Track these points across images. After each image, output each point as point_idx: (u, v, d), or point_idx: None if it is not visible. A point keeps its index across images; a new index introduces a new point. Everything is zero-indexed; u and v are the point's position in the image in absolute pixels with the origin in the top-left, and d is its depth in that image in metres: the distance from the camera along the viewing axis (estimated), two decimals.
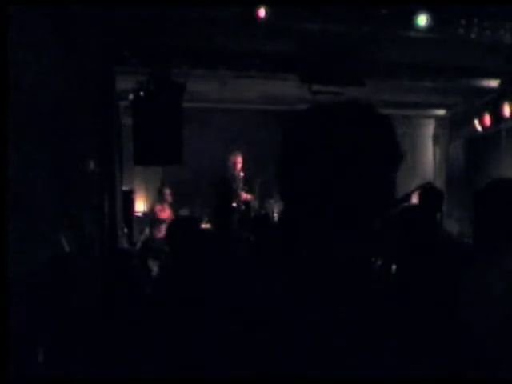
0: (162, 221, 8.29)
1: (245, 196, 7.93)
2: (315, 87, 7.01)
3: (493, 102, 7.78)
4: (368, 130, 1.12)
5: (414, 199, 9.38)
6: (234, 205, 7.82)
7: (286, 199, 1.17)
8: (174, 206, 8.64)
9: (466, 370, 1.86)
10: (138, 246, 7.90)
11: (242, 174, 8.02)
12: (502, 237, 2.23)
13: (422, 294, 2.48)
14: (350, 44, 6.50)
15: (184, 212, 8.59)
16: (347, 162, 1.07)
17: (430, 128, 10.28)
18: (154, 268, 6.39)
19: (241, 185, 7.94)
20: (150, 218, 8.74)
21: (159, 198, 8.79)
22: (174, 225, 3.93)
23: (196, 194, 8.33)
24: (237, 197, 7.84)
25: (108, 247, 5.92)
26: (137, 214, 9.00)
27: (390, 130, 1.14)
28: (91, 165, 5.46)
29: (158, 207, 8.69)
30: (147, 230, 8.51)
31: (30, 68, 3.83)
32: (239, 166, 8.08)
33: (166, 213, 8.53)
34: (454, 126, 9.41)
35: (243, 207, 7.84)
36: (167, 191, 8.67)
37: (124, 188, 7.81)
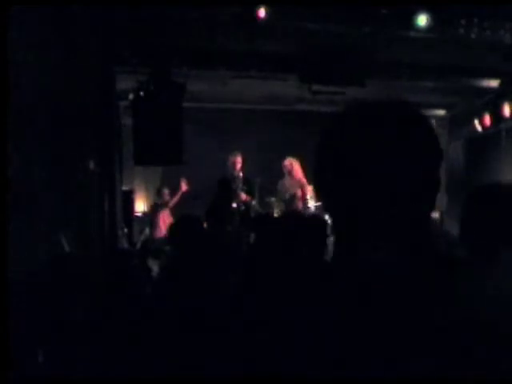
0: (161, 224, 8.30)
1: (244, 197, 7.93)
2: (315, 87, 7.01)
3: (493, 102, 7.78)
4: (411, 130, 1.12)
5: None
6: (234, 205, 7.82)
7: (329, 207, 1.15)
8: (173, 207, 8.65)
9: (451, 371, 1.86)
10: (138, 246, 7.90)
11: (241, 174, 8.03)
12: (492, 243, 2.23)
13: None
14: (350, 44, 6.50)
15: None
16: (392, 164, 1.07)
17: None
18: (154, 268, 6.39)
19: (240, 185, 7.94)
20: (150, 219, 8.74)
21: (158, 197, 8.79)
22: (176, 224, 3.94)
23: (196, 194, 8.33)
24: (236, 197, 7.84)
25: (108, 247, 5.92)
26: (137, 214, 9.01)
27: (430, 129, 1.15)
28: (91, 165, 5.46)
29: (157, 208, 8.68)
30: (147, 230, 8.51)
31: (30, 68, 3.83)
32: (239, 166, 8.08)
33: (164, 215, 8.52)
34: (454, 126, 9.41)
35: (243, 207, 7.84)
36: (166, 191, 8.67)
37: (124, 188, 7.82)
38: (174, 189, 8.63)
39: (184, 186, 8.58)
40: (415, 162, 1.09)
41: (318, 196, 1.17)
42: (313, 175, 1.16)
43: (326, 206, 1.16)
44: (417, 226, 1.10)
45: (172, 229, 3.85)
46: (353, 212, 1.09)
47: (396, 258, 1.08)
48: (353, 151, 1.08)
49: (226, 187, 7.36)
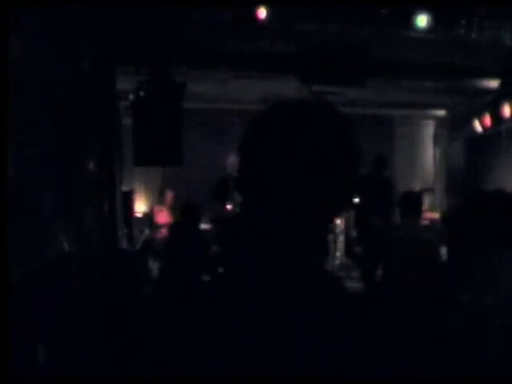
0: (160, 225, 8.28)
1: None
2: (315, 87, 7.01)
3: (493, 102, 7.77)
4: (328, 130, 1.12)
5: None
6: (229, 206, 7.82)
7: (246, 198, 1.17)
8: (175, 210, 8.64)
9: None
10: (138, 246, 7.90)
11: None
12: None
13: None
14: (350, 44, 6.50)
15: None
16: (307, 163, 1.08)
17: (429, 128, 10.28)
18: (154, 268, 6.39)
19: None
20: (150, 219, 8.73)
21: (160, 199, 8.78)
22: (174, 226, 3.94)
23: (196, 195, 8.32)
24: (233, 199, 7.84)
25: (108, 247, 5.92)
26: (137, 214, 9.00)
27: (351, 131, 1.16)
28: (91, 165, 5.46)
29: (156, 209, 8.66)
30: (147, 230, 8.50)
31: (30, 68, 3.83)
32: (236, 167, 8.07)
33: (163, 216, 8.49)
34: (454, 126, 9.41)
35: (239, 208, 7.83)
36: (169, 194, 8.64)
37: (124, 189, 7.81)
38: (177, 190, 8.61)
39: (169, 199, 8.56)
40: (329, 164, 1.10)
41: (239, 192, 1.18)
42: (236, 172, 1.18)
43: (243, 201, 1.17)
44: (322, 228, 1.12)
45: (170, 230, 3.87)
46: (266, 206, 1.10)
47: (294, 258, 1.09)
48: (271, 151, 1.09)
49: (223, 189, 7.33)
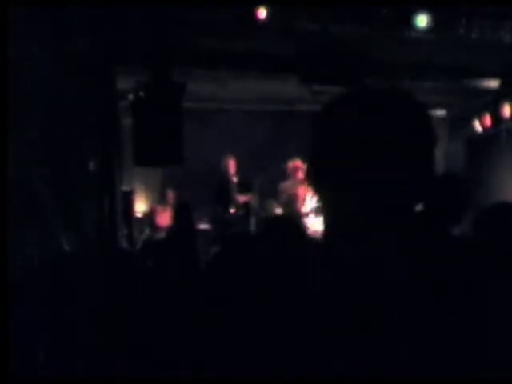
0: (160, 227, 8.27)
1: (242, 198, 7.90)
2: (315, 87, 7.00)
3: (493, 102, 7.77)
4: (404, 118, 1.11)
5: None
6: (233, 211, 7.80)
7: (323, 196, 1.14)
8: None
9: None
10: (138, 245, 7.89)
11: (235, 178, 7.99)
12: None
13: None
14: (350, 44, 6.50)
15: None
16: (385, 151, 1.06)
17: None
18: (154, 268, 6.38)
19: (236, 189, 7.92)
20: (150, 220, 8.71)
21: (161, 199, 8.77)
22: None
23: (195, 195, 8.31)
24: (234, 202, 7.82)
25: (108, 247, 5.92)
26: (137, 214, 8.99)
27: (427, 117, 1.14)
28: (91, 165, 5.46)
29: (159, 209, 8.65)
30: (147, 230, 8.50)
31: (30, 68, 3.83)
32: (232, 170, 8.05)
33: (165, 217, 8.46)
34: (454, 126, 9.40)
35: (242, 210, 7.82)
36: (170, 193, 8.63)
37: (124, 188, 7.81)
38: (178, 190, 8.60)
39: (171, 199, 8.55)
40: (409, 148, 1.08)
41: (313, 185, 1.16)
42: (308, 164, 1.15)
43: (319, 196, 1.15)
44: (408, 213, 1.10)
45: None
46: (348, 200, 1.08)
47: (387, 249, 1.07)
48: (348, 138, 1.08)
49: (223, 196, 7.32)
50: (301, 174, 8.26)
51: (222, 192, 7.93)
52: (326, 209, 1.14)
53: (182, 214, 6.27)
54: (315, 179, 1.13)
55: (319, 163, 1.11)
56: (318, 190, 1.14)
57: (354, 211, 1.08)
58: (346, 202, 1.08)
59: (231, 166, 8.06)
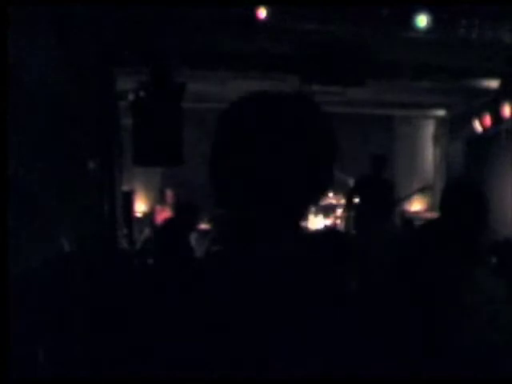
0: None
1: None
2: (315, 87, 7.01)
3: (493, 102, 7.78)
4: (307, 124, 1.11)
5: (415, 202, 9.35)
6: None
7: (222, 196, 1.15)
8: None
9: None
10: (138, 245, 7.90)
11: None
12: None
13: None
14: (350, 44, 6.50)
15: None
16: (283, 155, 1.07)
17: (429, 128, 10.28)
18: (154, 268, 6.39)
19: None
20: (150, 219, 8.72)
21: (160, 199, 8.77)
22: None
23: (195, 195, 8.31)
24: None
25: (108, 247, 5.92)
26: (137, 214, 8.99)
27: (329, 126, 1.14)
28: (91, 165, 5.46)
29: (158, 209, 8.65)
30: (147, 230, 8.50)
31: (30, 68, 3.83)
32: None
33: (166, 216, 8.47)
34: (454, 126, 9.41)
35: None
36: (169, 193, 8.63)
37: (124, 188, 7.81)
38: (177, 190, 8.60)
39: (170, 198, 8.54)
40: (307, 157, 1.09)
41: (214, 191, 1.16)
42: (208, 171, 1.16)
43: (220, 201, 1.15)
44: (299, 219, 1.12)
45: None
46: (246, 207, 1.09)
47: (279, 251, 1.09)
48: (246, 144, 1.09)
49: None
50: None
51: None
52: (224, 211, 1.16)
53: (183, 214, 6.26)
54: (214, 178, 1.14)
55: (218, 163, 1.13)
56: (217, 190, 1.14)
57: (248, 212, 1.10)
58: (242, 203, 1.09)
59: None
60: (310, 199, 1.14)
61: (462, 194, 2.48)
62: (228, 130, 1.14)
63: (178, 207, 6.42)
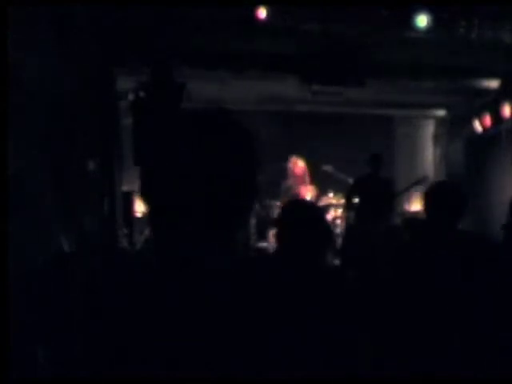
0: None
1: None
2: (315, 87, 7.01)
3: (493, 102, 7.78)
4: (222, 137, 1.15)
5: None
6: None
7: (150, 206, 1.18)
8: None
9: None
10: (138, 246, 7.89)
11: None
12: None
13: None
14: (350, 44, 6.50)
15: None
16: (200, 170, 1.10)
17: (429, 128, 10.28)
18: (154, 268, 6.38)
19: None
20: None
21: None
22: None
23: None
24: None
25: (108, 247, 5.92)
26: (137, 214, 8.99)
27: (246, 139, 1.16)
28: (91, 165, 5.46)
29: None
30: (147, 230, 8.49)
31: (30, 68, 3.83)
32: None
33: None
34: (454, 126, 9.41)
35: None
36: None
37: (124, 188, 7.80)
38: None
39: None
40: (226, 169, 1.12)
41: (144, 200, 1.20)
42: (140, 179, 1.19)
43: (150, 211, 1.19)
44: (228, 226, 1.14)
45: None
46: (171, 216, 1.12)
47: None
48: (164, 160, 1.12)
49: None
50: (298, 171, 8.26)
51: None
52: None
53: None
54: (146, 192, 1.18)
55: (146, 176, 1.17)
56: (148, 203, 1.18)
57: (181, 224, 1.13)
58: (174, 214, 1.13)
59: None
60: (235, 210, 1.16)
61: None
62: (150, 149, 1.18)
63: None
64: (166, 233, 1.16)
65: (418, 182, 8.20)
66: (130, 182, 8.64)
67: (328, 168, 8.35)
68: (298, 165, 8.29)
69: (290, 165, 8.32)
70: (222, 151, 1.13)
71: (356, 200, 7.41)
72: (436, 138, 10.15)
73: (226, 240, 1.15)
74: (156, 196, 1.15)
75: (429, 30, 6.16)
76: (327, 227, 2.30)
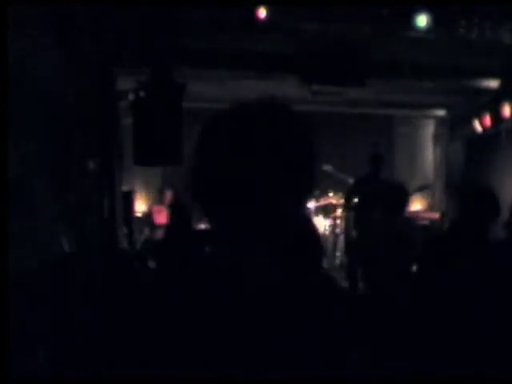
0: (158, 226, 8.25)
1: None
2: (315, 87, 7.00)
3: (493, 102, 7.77)
4: (284, 131, 1.12)
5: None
6: None
7: (205, 206, 1.16)
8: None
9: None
10: (138, 246, 7.89)
11: None
12: None
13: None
14: (350, 44, 6.50)
15: None
16: (264, 164, 1.08)
17: (429, 128, 10.28)
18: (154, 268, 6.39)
19: None
20: (148, 219, 8.70)
21: (159, 198, 8.76)
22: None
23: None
24: None
25: (108, 247, 5.92)
26: (137, 214, 8.99)
27: (307, 131, 1.15)
28: (91, 165, 5.46)
29: (155, 209, 8.65)
30: (147, 230, 8.49)
31: (30, 68, 3.82)
32: None
33: (163, 216, 8.45)
34: (454, 126, 9.41)
35: None
36: (168, 193, 8.62)
37: (124, 188, 7.81)
38: (177, 190, 8.59)
39: (169, 198, 8.53)
40: (288, 161, 1.09)
41: (193, 198, 1.18)
42: (189, 177, 1.17)
43: (203, 209, 1.16)
44: (287, 224, 1.12)
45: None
46: (228, 212, 1.09)
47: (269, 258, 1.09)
48: (227, 151, 1.08)
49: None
50: None
51: None
52: (208, 218, 1.15)
53: (177, 215, 6.23)
54: (196, 190, 1.16)
55: (200, 175, 1.13)
56: (199, 201, 1.16)
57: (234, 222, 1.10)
58: (226, 215, 1.11)
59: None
60: (295, 202, 1.14)
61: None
62: (210, 141, 1.14)
63: (172, 208, 6.38)
64: (229, 229, 1.12)
65: (419, 189, 8.20)
66: (130, 181, 8.65)
67: (328, 168, 8.35)
68: None
69: None
70: (286, 144, 1.11)
71: (356, 200, 7.41)
72: (436, 137, 10.15)
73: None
74: (218, 194, 1.11)
75: (429, 29, 6.16)
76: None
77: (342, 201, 8.37)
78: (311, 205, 8.37)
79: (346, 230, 8.14)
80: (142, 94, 6.45)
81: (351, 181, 7.86)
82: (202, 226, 8.11)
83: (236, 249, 1.12)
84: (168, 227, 6.51)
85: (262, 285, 1.07)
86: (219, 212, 1.13)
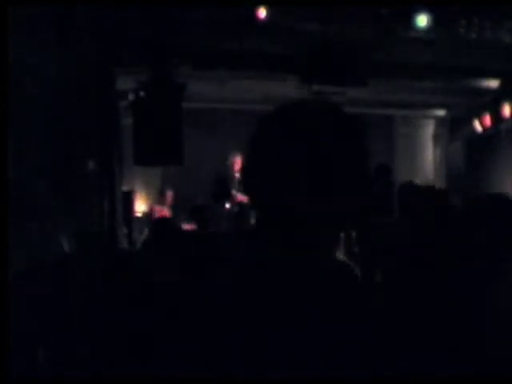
0: None
1: (240, 197, 7.89)
2: (315, 87, 7.00)
3: (493, 102, 7.78)
4: (339, 132, 1.12)
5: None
6: (228, 206, 7.79)
7: (258, 204, 1.16)
8: (175, 209, 8.59)
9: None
10: (138, 246, 7.88)
11: (237, 175, 7.98)
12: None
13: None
14: (350, 44, 6.50)
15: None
16: (320, 164, 1.08)
17: (429, 128, 10.28)
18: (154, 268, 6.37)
19: (236, 186, 7.90)
20: (149, 220, 8.70)
21: (160, 199, 8.76)
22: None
23: (195, 195, 8.31)
24: (231, 198, 7.80)
25: (108, 247, 5.92)
26: (137, 214, 8.98)
27: (360, 131, 1.15)
28: (91, 165, 5.46)
29: (157, 209, 8.64)
30: (147, 230, 8.48)
31: (30, 68, 3.83)
32: (237, 167, 8.04)
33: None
34: (454, 126, 9.41)
35: (237, 209, 7.80)
36: (169, 193, 8.62)
37: (124, 188, 7.81)
38: (177, 190, 8.59)
39: (169, 198, 8.54)
40: (343, 161, 1.09)
41: (248, 194, 1.17)
42: (243, 173, 1.16)
43: (255, 204, 1.16)
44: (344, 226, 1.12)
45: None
46: (284, 210, 1.09)
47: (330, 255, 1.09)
48: (284, 150, 1.09)
49: (220, 187, 7.27)
50: None
51: (221, 186, 7.90)
52: (260, 215, 1.16)
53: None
54: (249, 188, 1.16)
55: (254, 173, 1.13)
56: (253, 198, 1.16)
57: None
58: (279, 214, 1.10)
59: (237, 163, 8.03)
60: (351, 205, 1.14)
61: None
62: (261, 139, 1.14)
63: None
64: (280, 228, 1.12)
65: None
66: (130, 182, 8.65)
67: None
68: None
69: None
70: (341, 143, 1.11)
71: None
72: (436, 137, 10.15)
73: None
74: (275, 193, 1.11)
75: (429, 29, 6.16)
76: None
77: None
78: None
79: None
80: (141, 94, 6.45)
81: None
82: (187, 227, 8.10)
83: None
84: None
85: (280, 274, 1.07)
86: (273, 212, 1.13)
